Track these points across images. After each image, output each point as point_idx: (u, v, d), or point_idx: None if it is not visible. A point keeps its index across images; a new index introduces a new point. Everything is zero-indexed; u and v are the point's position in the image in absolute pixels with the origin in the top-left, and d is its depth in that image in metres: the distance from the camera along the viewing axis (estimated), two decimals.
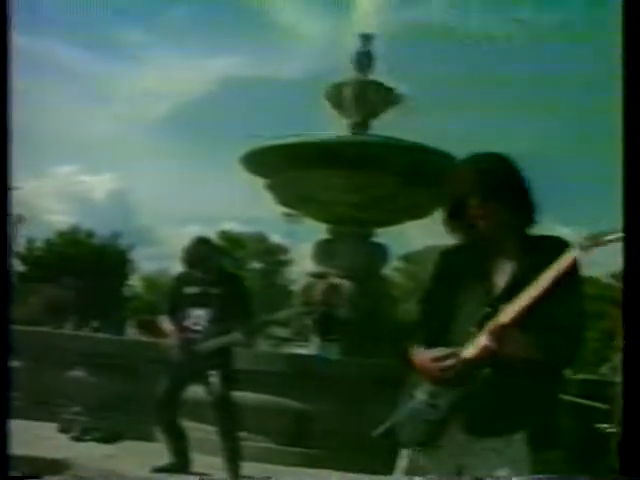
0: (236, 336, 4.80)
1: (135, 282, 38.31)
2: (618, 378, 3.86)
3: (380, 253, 8.78)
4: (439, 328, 2.40)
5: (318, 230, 9.24)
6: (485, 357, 2.29)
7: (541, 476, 2.37)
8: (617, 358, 3.93)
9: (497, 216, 2.39)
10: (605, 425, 3.88)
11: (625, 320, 2.55)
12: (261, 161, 8.42)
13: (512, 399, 2.32)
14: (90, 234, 36.01)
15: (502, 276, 2.37)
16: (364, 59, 8.57)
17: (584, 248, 2.24)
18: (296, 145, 8.08)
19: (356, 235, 8.49)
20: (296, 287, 11.86)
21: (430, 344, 2.39)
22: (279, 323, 7.18)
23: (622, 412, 3.60)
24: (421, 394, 2.39)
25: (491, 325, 2.28)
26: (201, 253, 5.01)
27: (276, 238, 36.10)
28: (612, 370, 4.45)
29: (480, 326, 2.30)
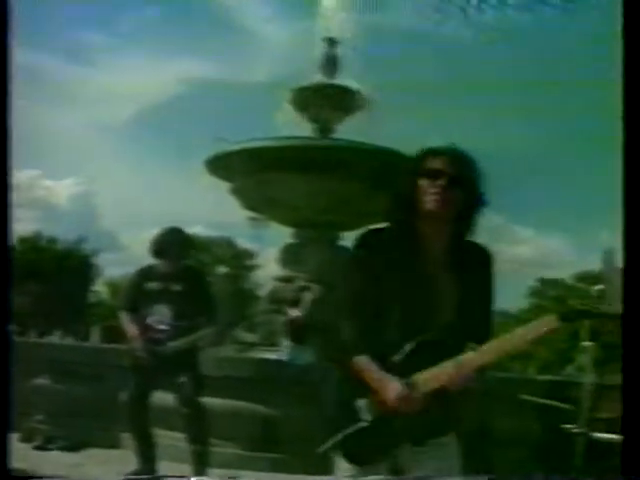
0: (202, 334, 4.74)
1: (100, 288, 37.98)
2: (583, 378, 3.89)
3: (346, 256, 8.78)
4: (383, 324, 2.35)
5: (284, 234, 9.25)
6: (444, 388, 2.27)
7: (542, 476, 2.38)
8: (582, 358, 3.96)
9: (450, 206, 2.38)
10: (570, 426, 3.91)
11: (624, 322, 2.55)
12: (225, 165, 8.40)
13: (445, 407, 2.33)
14: (52, 240, 35.59)
15: (440, 278, 2.36)
16: (329, 63, 8.59)
17: (568, 319, 2.23)
18: (261, 149, 8.08)
19: (322, 239, 8.49)
20: (263, 291, 11.86)
21: (373, 354, 2.33)
22: (246, 325, 7.15)
23: (589, 413, 3.65)
24: (366, 414, 2.32)
25: (464, 364, 2.25)
26: (168, 243, 4.91)
27: (242, 243, 36.00)
28: (577, 370, 4.48)
29: (425, 349, 2.27)
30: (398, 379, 2.26)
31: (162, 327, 4.77)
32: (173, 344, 4.69)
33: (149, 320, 4.80)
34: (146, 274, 4.96)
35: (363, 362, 2.32)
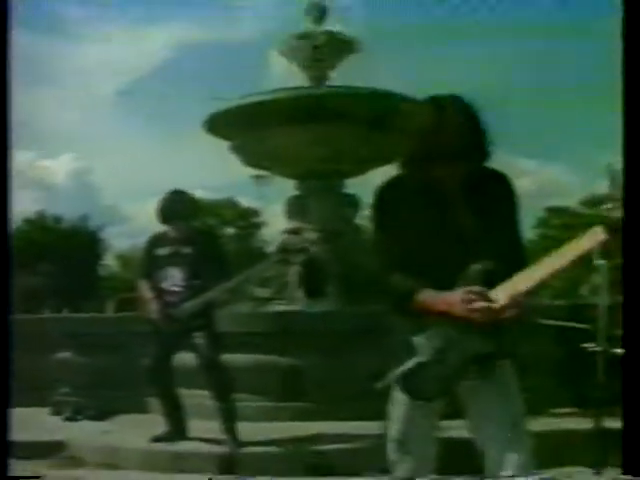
0: (216, 293, 4.78)
1: (109, 261, 38.16)
2: (599, 298, 3.91)
3: (351, 204, 8.77)
4: (423, 267, 2.38)
5: (287, 189, 9.22)
6: (498, 316, 2.28)
7: (545, 476, 2.41)
8: (596, 278, 3.97)
9: (459, 155, 2.41)
10: (589, 344, 3.94)
11: (625, 312, 2.54)
12: (224, 124, 8.33)
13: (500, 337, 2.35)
14: (57, 219, 35.65)
15: (462, 216, 2.38)
16: (317, 10, 8.47)
17: (613, 231, 2.22)
18: (257, 104, 8.00)
19: (326, 188, 8.46)
20: (272, 248, 11.82)
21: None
22: (259, 279, 7.17)
23: (606, 331, 3.66)
24: (427, 349, 2.35)
25: (511, 288, 2.26)
26: (174, 206, 4.95)
27: (246, 202, 36.00)
28: (592, 290, 4.50)
29: (480, 279, 2.29)
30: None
31: (176, 289, 4.82)
32: (188, 304, 4.74)
33: (163, 284, 4.86)
34: (156, 240, 5.02)
35: (425, 294, 2.35)
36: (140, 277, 5.04)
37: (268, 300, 7.15)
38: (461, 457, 2.59)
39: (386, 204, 2.51)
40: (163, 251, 4.93)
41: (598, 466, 3.92)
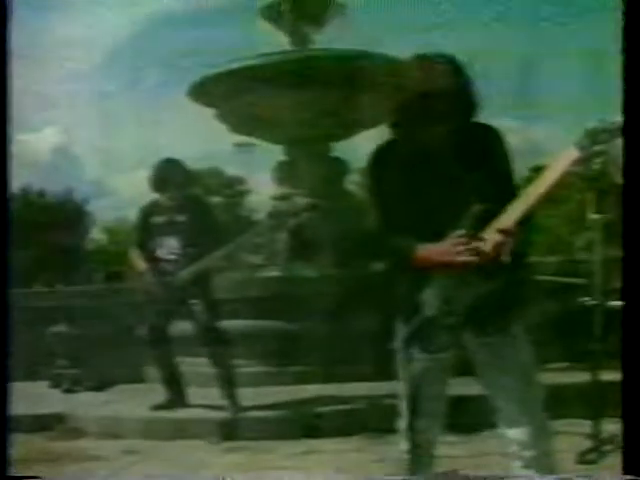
0: (211, 260, 4.79)
1: (97, 235, 37.97)
2: (593, 253, 3.93)
3: (339, 168, 8.75)
4: (420, 226, 2.40)
5: (272, 156, 9.19)
6: (495, 254, 2.29)
7: (549, 477, 2.44)
8: (590, 233, 3.99)
9: (448, 110, 2.42)
10: (586, 298, 3.96)
11: (625, 310, 2.55)
12: (209, 91, 8.27)
13: (503, 294, 2.37)
14: (41, 193, 35.36)
15: (455, 172, 2.40)
16: None
17: (585, 146, 2.22)
18: (240, 69, 7.93)
19: (313, 153, 8.43)
20: (259, 215, 11.79)
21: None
22: (251, 246, 7.17)
23: (602, 285, 3.68)
24: (433, 300, 2.37)
25: (498, 224, 2.28)
26: (167, 175, 4.94)
27: (231, 170, 35.79)
28: (586, 245, 4.53)
29: (473, 224, 2.30)
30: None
31: (171, 258, 4.82)
32: (184, 272, 4.75)
33: (158, 253, 4.86)
34: (150, 210, 5.01)
35: (421, 249, 2.37)
36: (134, 246, 5.04)
37: (261, 266, 7.15)
38: (471, 414, 2.62)
39: (378, 167, 2.53)
40: (157, 220, 4.92)
41: (596, 417, 3.98)
